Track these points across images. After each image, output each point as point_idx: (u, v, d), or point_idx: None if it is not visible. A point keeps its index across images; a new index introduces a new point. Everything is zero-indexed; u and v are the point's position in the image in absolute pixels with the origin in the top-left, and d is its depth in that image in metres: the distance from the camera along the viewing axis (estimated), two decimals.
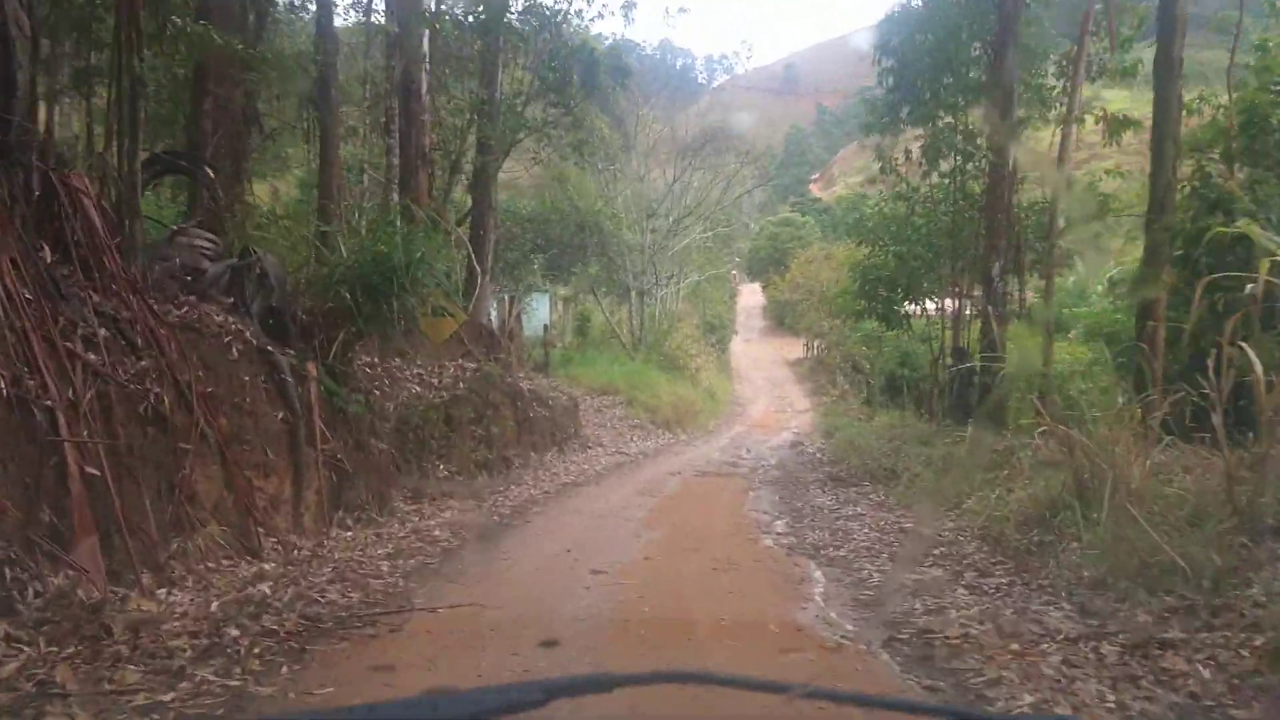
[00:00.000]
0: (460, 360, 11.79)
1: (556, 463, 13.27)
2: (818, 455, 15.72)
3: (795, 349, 50.15)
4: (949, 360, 13.77)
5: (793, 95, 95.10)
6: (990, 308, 11.25)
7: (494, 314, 19.15)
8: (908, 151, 14.43)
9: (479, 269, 16.50)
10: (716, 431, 22.24)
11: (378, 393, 8.78)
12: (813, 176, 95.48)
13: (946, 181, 13.84)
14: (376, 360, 9.51)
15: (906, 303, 15.46)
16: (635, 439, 17.64)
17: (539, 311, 29.77)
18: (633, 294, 27.06)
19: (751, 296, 59.63)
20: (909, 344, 18.21)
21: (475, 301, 15.68)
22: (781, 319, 57.82)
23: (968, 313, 13.53)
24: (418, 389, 9.94)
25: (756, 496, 10.87)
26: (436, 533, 7.30)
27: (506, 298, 21.11)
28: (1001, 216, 11.43)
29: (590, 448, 15.32)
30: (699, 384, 26.44)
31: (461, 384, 10.90)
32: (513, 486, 10.52)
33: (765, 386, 36.19)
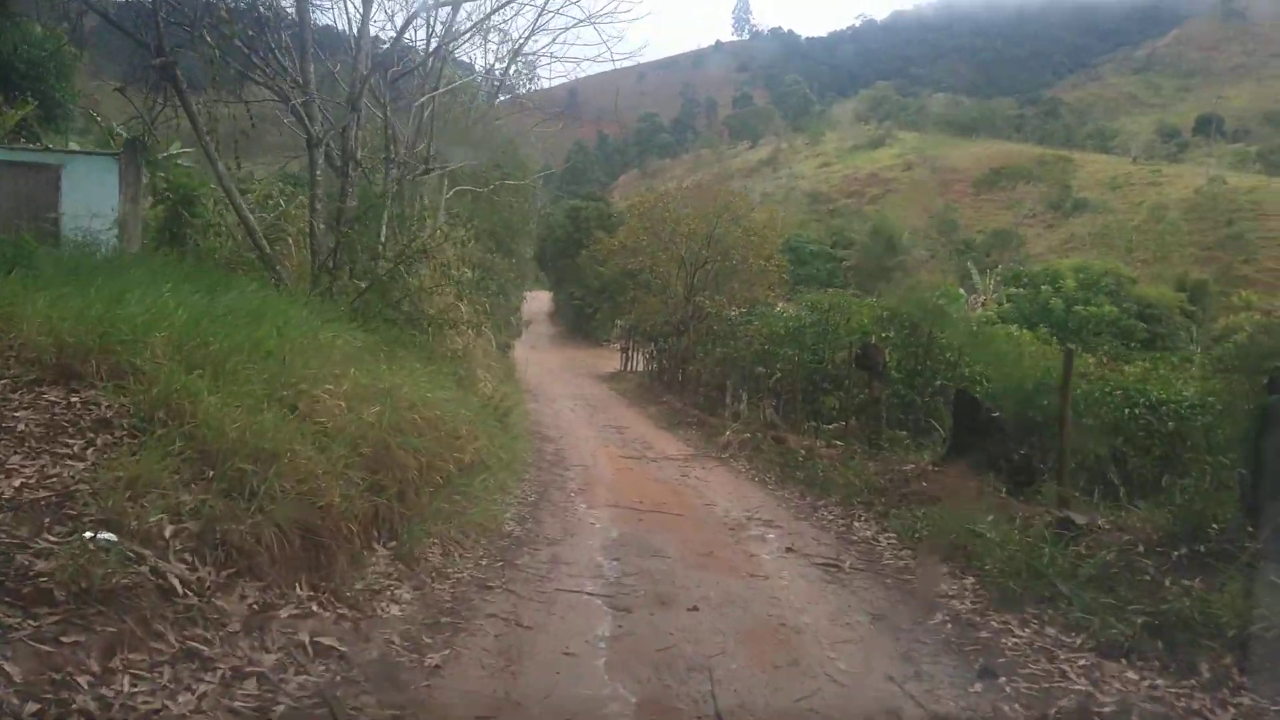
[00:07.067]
0: None
1: None
2: None
3: (606, 360, 35.25)
4: None
5: (575, 120, 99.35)
6: None
7: None
8: None
9: None
10: (532, 544, 6.27)
11: None
12: (597, 196, 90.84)
13: None
14: None
15: None
16: None
17: (99, 190, 12.21)
18: (320, 154, 10.35)
19: (534, 303, 44.54)
20: None
21: None
22: (578, 324, 43.95)
23: None
24: None
25: None
26: None
27: None
28: None
29: None
30: (475, 386, 10.31)
31: None
32: None
33: (581, 411, 20.70)
